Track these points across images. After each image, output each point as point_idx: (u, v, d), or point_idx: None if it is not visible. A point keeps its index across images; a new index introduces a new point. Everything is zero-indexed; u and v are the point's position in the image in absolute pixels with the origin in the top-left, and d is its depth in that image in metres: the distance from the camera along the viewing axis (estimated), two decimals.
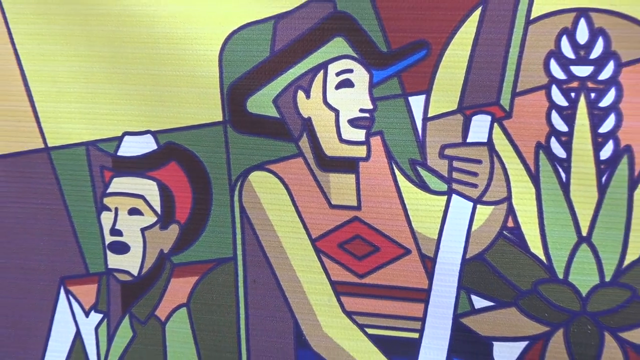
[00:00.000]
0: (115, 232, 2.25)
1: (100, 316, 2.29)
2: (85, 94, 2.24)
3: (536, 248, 2.04)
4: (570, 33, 1.96)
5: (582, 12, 1.96)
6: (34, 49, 2.29)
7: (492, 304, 2.09)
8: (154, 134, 2.22)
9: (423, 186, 2.08)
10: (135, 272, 2.26)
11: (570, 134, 1.98)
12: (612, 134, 1.96)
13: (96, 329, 2.30)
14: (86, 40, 2.23)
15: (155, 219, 2.24)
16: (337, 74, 2.09)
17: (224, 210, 2.22)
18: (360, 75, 2.09)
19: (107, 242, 2.27)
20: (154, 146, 2.22)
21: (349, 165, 2.11)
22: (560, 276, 2.03)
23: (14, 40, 2.30)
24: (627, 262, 1.99)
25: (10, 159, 2.33)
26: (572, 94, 1.97)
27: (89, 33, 2.22)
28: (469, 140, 2.05)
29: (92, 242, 2.28)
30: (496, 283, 2.08)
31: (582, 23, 1.95)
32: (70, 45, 2.24)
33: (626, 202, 1.97)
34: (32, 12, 2.26)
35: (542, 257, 2.04)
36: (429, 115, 2.06)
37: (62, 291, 2.31)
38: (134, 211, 2.25)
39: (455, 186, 2.07)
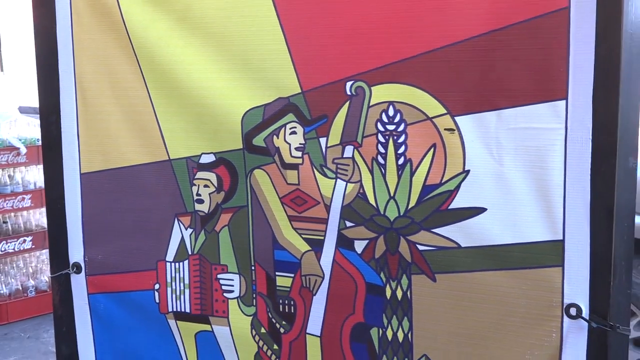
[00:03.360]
0: (198, 195, 2.31)
1: (191, 230, 2.34)
2: (185, 137, 2.30)
3: (372, 200, 2.09)
4: (386, 111, 2.04)
5: (390, 103, 2.03)
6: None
7: (353, 224, 2.13)
8: (214, 153, 2.27)
9: (325, 175, 2.14)
10: (206, 211, 2.31)
11: (385, 153, 2.06)
12: (403, 154, 2.05)
13: (189, 235, 2.35)
14: (185, 114, 2.28)
15: (215, 189, 2.28)
16: (290, 129, 2.16)
17: (243, 186, 2.25)
18: (299, 129, 2.15)
19: (194, 199, 2.32)
20: (214, 159, 2.28)
21: (294, 166, 2.17)
22: (382, 212, 2.08)
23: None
24: (410, 207, 2.05)
25: (151, 165, 2.36)
26: (387, 137, 2.05)
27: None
28: (344, 156, 2.11)
29: (188, 199, 2.33)
30: (355, 215, 2.12)
31: (391, 107, 2.03)
32: (179, 117, 2.30)
33: (409, 182, 2.03)
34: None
35: (374, 204, 2.09)
36: (328, 145, 2.12)
37: (175, 220, 2.36)
38: (206, 186, 2.29)
39: (338, 175, 2.12)
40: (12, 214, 5.49)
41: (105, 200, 2.46)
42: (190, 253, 2.37)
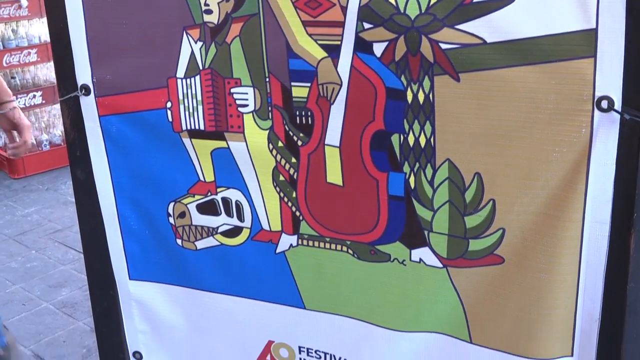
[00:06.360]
0: (206, 4, 2.13)
1: (201, 43, 2.19)
2: None
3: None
4: None
5: None
6: None
7: (372, 25, 1.96)
8: None
9: None
10: (215, 22, 2.14)
11: None
12: None
13: (199, 49, 2.21)
14: None
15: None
16: None
17: None
18: None
19: (202, 9, 2.15)
20: None
21: None
22: (402, 10, 1.90)
23: None
24: (432, 2, 1.86)
25: None
26: None
27: None
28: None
29: (196, 10, 2.17)
30: (373, 16, 1.93)
31: None
32: None
33: None
34: None
35: (394, 2, 1.90)
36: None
37: (184, 33, 2.21)
38: None
39: None
40: (20, 69, 5.37)
41: (109, 16, 2.30)
42: (201, 68, 2.24)
